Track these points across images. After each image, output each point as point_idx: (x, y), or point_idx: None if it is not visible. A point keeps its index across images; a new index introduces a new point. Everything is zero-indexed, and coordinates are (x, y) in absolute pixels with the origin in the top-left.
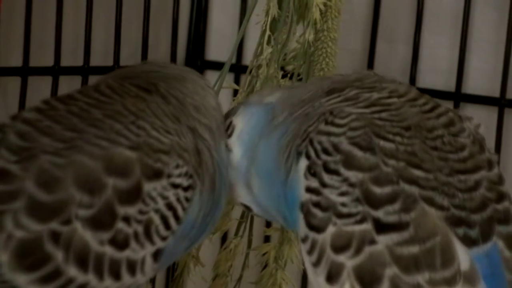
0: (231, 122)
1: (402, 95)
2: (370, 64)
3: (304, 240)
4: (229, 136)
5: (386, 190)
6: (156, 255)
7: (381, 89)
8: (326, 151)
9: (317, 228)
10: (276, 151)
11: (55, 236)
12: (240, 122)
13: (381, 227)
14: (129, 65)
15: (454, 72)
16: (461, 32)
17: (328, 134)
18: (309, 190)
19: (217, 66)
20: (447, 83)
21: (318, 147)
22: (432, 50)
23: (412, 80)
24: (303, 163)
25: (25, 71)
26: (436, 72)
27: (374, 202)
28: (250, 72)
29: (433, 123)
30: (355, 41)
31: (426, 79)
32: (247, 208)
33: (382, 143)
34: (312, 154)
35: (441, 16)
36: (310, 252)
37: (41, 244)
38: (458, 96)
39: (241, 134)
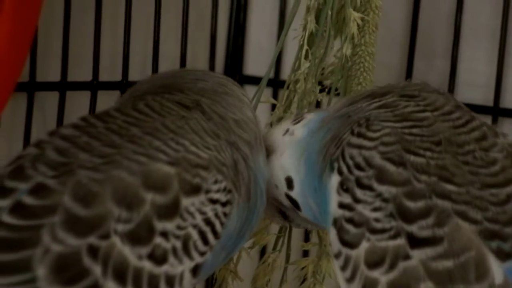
0: (302, 115)
1: (437, 108)
2: (408, 79)
3: (337, 256)
4: (295, 123)
5: (420, 204)
6: (195, 270)
7: (420, 99)
8: (358, 167)
9: (350, 244)
10: (319, 146)
11: (93, 251)
12: (311, 115)
13: (415, 242)
14: (163, 72)
15: (492, 86)
16: (499, 46)
17: (360, 147)
18: (342, 206)
19: (255, 80)
20: (485, 97)
21: (350, 163)
22: (470, 64)
23: None
24: (335, 179)
25: (63, 86)
26: (474, 86)
27: (407, 216)
28: (288, 86)
29: (464, 138)
30: (393, 55)
31: (464, 94)
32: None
33: (412, 158)
34: (345, 169)
35: (479, 31)
36: (343, 268)
37: (79, 258)
38: (496, 111)
39: (309, 122)
